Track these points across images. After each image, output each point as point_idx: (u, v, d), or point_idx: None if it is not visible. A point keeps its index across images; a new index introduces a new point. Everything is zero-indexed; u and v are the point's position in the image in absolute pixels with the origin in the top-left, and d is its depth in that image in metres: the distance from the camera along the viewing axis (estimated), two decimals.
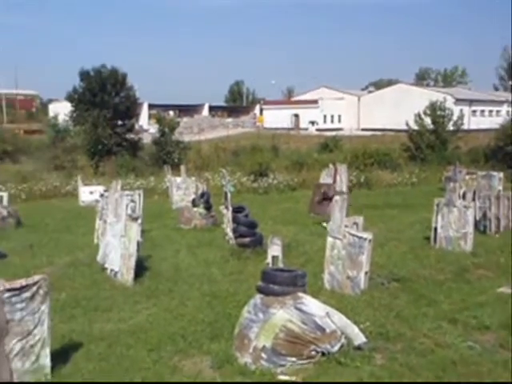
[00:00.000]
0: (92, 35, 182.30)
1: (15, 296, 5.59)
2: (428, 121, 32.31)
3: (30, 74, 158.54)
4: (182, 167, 20.92)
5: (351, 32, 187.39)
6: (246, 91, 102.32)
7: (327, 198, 15.53)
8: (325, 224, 14.02)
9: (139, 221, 10.24)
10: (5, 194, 16.19)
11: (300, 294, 6.30)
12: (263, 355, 5.98)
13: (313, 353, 6.03)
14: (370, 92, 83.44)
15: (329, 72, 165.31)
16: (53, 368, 5.90)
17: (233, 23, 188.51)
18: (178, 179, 19.97)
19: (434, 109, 32.50)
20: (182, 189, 19.32)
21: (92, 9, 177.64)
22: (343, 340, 6.23)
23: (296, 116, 73.74)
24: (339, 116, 74.77)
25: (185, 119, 59.63)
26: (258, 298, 6.38)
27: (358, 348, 6.26)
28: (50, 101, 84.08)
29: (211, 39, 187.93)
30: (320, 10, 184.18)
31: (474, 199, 12.58)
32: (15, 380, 5.62)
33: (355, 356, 6.12)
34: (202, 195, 15.39)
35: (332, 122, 73.61)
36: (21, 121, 68.19)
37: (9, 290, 5.57)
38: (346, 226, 9.01)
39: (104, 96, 31.10)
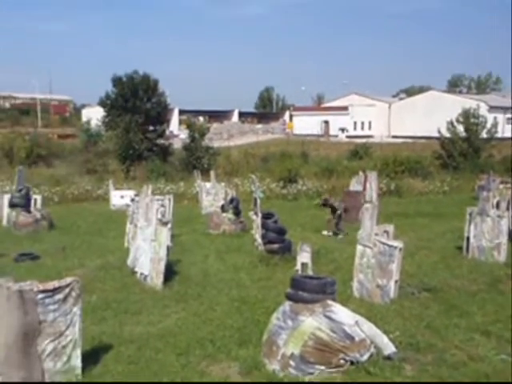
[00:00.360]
0: (125, 42, 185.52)
1: (48, 297, 5.70)
2: (461, 128, 31.85)
3: (64, 79, 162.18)
4: (212, 173, 21.03)
5: (382, 38, 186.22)
6: (276, 97, 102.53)
7: (326, 205, 15.44)
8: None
9: (169, 225, 10.30)
10: (38, 197, 16.51)
11: (329, 302, 6.25)
12: (291, 363, 5.95)
13: (341, 361, 5.98)
14: (401, 99, 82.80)
15: (359, 79, 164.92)
16: (83, 369, 5.98)
17: (263, 30, 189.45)
18: (208, 184, 20.08)
19: (467, 116, 32.03)
20: (211, 194, 19.42)
21: (125, 15, 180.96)
22: (372, 349, 6.16)
23: (326, 123, 73.51)
24: (369, 123, 74.28)
25: (214, 125, 60.00)
26: (287, 304, 6.35)
27: (388, 358, 6.17)
28: (83, 106, 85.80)
29: (241, 46, 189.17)
30: (351, 17, 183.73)
31: (508, 209, 12.30)
32: (47, 380, 5.71)
33: (384, 366, 6.04)
34: (232, 201, 15.44)
35: (362, 128, 73.21)
36: (55, 125, 69.75)
37: (42, 292, 5.67)
38: (377, 235, 8.92)
39: (136, 101, 31.54)
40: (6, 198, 16.27)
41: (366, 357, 6.05)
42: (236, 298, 8.85)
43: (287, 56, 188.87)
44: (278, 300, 7.66)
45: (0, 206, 16.85)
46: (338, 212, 14.73)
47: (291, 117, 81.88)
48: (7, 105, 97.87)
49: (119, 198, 20.25)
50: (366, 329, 6.23)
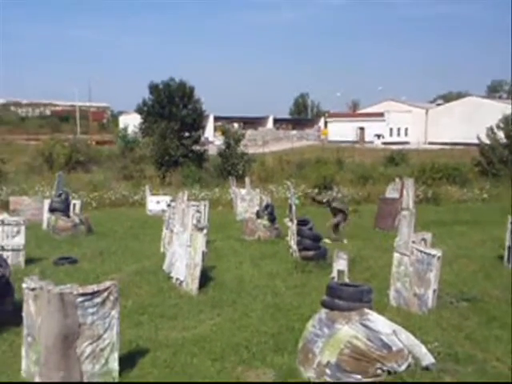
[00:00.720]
0: (161, 49, 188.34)
1: (87, 301, 5.80)
2: (501, 135, 31.15)
3: (102, 87, 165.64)
4: (247, 179, 21.11)
5: (419, 43, 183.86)
6: (311, 104, 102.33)
7: (314, 201, 15.70)
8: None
9: (205, 231, 10.37)
10: (77, 202, 16.82)
11: (366, 310, 6.18)
12: (327, 371, 5.89)
13: (378, 371, 5.88)
14: (439, 105, 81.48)
15: (395, 85, 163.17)
16: (121, 372, 6.05)
17: (298, 36, 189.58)
18: (243, 191, 20.16)
19: (508, 122, 31.31)
20: (246, 200, 19.47)
21: (161, 24, 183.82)
22: (410, 360, 6.04)
23: (361, 129, 72.97)
24: (406, 129, 73.42)
25: (249, 131, 60.25)
26: (322, 312, 6.30)
27: (426, 369, 6.05)
28: (121, 113, 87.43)
29: (276, 52, 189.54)
30: (386, 23, 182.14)
31: None
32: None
33: (423, 377, 5.91)
34: (266, 207, 15.44)
35: (398, 135, 72.41)
36: (93, 132, 71.22)
37: (82, 295, 5.77)
38: (414, 242, 8.78)
39: (172, 108, 31.90)
40: (46, 202, 16.66)
41: (403, 367, 5.94)
42: (271, 305, 8.84)
43: (322, 62, 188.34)
44: (313, 307, 7.63)
45: (40, 210, 17.29)
46: (346, 217, 14.64)
47: (326, 123, 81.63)
48: (48, 112, 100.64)
49: (155, 203, 20.48)
50: (403, 338, 6.12)
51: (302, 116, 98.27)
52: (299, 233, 11.88)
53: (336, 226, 14.66)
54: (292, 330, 7.41)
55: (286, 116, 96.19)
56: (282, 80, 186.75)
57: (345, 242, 14.17)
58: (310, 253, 11.64)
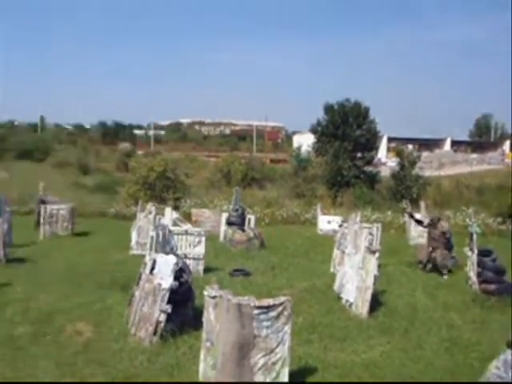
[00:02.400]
0: (334, 71, 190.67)
1: (263, 314, 5.99)
2: None
3: (277, 107, 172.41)
4: (422, 203, 20.23)
5: None
6: (495, 125, 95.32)
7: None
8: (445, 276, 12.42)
9: (377, 254, 10.14)
10: (252, 217, 17.58)
11: None
12: None
13: None
14: None
15: None
16: None
17: (480, 52, 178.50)
18: (417, 215, 19.32)
19: None
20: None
21: (335, 46, 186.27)
22: None
23: None
24: None
25: (425, 153, 57.83)
26: (508, 354, 5.72)
27: None
28: (294, 133, 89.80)
29: (456, 71, 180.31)
30: None
31: None
32: None
33: None
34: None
35: None
36: (268, 150, 74.21)
37: (258, 308, 5.98)
38: None
39: (346, 129, 32.05)
40: (224, 216, 17.68)
41: None
42: (446, 338, 8.33)
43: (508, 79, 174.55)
44: (494, 346, 7.03)
45: (218, 223, 18.39)
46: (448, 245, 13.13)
47: None
48: (227, 131, 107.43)
49: (326, 223, 20.56)
50: None
51: (483, 138, 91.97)
52: (480, 264, 11.05)
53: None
54: (470, 368, 6.91)
55: (466, 138, 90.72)
56: (461, 100, 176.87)
57: (445, 277, 12.84)
58: (492, 286, 10.75)
